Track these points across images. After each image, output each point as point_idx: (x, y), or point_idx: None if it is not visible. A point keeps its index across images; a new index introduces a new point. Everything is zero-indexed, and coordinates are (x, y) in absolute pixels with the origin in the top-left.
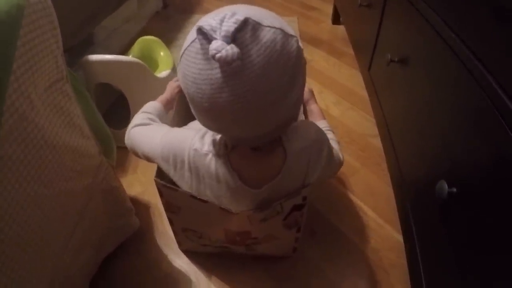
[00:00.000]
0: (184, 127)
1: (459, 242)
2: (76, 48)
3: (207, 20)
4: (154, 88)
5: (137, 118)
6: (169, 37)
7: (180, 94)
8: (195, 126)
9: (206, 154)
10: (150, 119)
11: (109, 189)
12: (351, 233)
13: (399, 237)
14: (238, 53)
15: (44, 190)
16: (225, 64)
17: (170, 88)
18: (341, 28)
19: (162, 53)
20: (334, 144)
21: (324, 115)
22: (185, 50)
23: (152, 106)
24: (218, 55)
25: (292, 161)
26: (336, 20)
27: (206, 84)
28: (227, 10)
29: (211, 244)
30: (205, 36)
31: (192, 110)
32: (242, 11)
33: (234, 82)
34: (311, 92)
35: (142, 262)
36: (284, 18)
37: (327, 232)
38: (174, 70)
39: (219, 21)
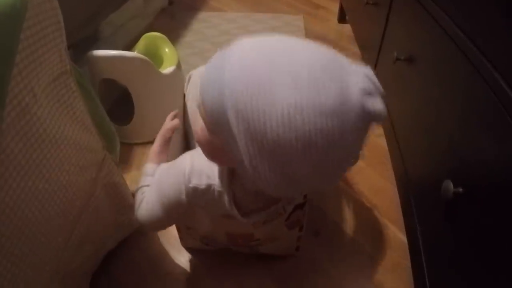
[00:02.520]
0: (172, 162)
1: (464, 243)
2: (81, 44)
3: (366, 85)
4: (158, 84)
5: (136, 201)
6: (175, 34)
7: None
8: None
9: (208, 188)
10: (143, 193)
11: (112, 185)
12: (355, 233)
13: (403, 237)
14: None
15: (46, 185)
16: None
17: (161, 136)
18: (347, 27)
19: (167, 50)
20: None
21: None
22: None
23: (144, 176)
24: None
25: None
26: (342, 18)
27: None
28: (334, 62)
29: (213, 244)
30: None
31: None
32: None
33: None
34: None
35: (144, 259)
36: (290, 16)
37: (331, 232)
38: (178, 66)
39: (371, 81)
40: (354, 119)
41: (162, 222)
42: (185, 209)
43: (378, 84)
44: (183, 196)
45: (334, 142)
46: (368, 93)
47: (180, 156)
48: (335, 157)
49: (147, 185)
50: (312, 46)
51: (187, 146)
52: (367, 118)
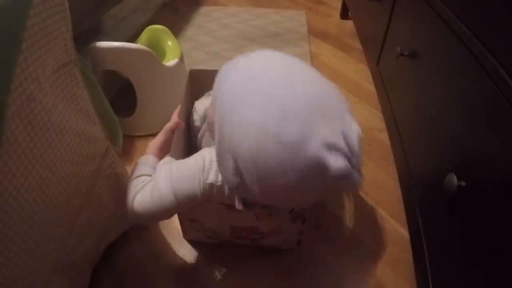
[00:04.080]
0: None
1: (467, 237)
2: (82, 36)
3: (333, 141)
4: (161, 76)
5: (132, 189)
6: (176, 28)
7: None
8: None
9: (223, 185)
10: (144, 181)
11: (114, 176)
12: (356, 227)
13: (404, 232)
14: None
15: (49, 174)
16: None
17: (164, 131)
18: (349, 23)
19: (170, 43)
20: None
21: None
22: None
23: (143, 165)
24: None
25: None
26: (344, 15)
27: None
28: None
29: (216, 237)
30: (335, 154)
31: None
32: (350, 123)
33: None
34: None
35: (145, 251)
36: (292, 11)
37: (332, 226)
38: (181, 59)
39: (345, 141)
40: (306, 167)
41: (170, 212)
42: (197, 203)
43: (353, 147)
44: (199, 191)
45: (286, 175)
46: (333, 149)
47: (199, 151)
48: (289, 190)
49: (148, 175)
50: (314, 81)
51: (189, 142)
52: (323, 171)
